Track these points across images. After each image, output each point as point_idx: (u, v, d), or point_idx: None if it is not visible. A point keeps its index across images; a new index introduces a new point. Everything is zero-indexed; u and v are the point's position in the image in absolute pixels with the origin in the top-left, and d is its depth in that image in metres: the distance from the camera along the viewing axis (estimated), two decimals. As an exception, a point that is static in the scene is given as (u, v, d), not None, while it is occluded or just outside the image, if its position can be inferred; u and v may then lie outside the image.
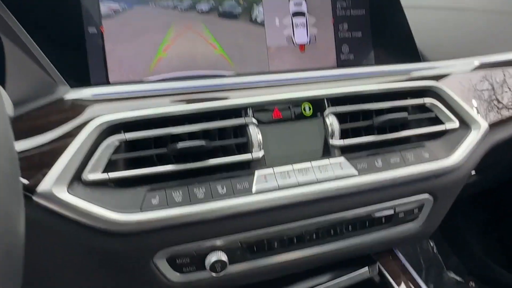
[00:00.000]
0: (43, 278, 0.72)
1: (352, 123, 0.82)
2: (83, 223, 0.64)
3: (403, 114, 0.83)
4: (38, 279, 0.71)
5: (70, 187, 0.63)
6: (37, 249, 0.67)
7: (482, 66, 0.98)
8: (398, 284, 0.95)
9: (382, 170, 0.80)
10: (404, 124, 0.87)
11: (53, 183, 0.62)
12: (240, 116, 0.75)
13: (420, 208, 0.89)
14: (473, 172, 0.97)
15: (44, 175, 0.62)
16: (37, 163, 0.63)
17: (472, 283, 1.85)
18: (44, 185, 0.62)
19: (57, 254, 0.69)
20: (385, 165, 0.80)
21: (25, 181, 0.61)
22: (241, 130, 0.76)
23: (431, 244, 1.97)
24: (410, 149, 0.84)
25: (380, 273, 0.98)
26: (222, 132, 0.75)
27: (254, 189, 0.72)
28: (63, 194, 0.62)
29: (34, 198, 0.62)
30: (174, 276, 0.73)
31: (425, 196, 0.88)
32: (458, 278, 1.88)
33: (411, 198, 0.87)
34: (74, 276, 0.72)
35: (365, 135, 0.83)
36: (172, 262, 0.72)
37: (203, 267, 0.73)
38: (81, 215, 0.63)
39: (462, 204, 1.23)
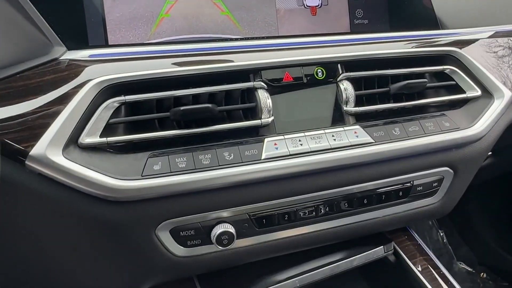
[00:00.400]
0: (40, 249, 0.67)
1: (368, 90, 0.77)
2: (79, 189, 0.59)
3: (423, 80, 0.77)
4: (36, 251, 0.67)
5: (65, 151, 0.59)
6: (32, 219, 0.63)
7: (505, 34, 0.92)
8: (415, 264, 0.89)
9: (400, 138, 0.74)
10: (421, 93, 0.81)
11: (47, 146, 0.57)
12: (248, 80, 0.70)
13: (440, 182, 0.84)
14: (489, 153, 0.92)
15: (37, 138, 0.58)
16: (30, 126, 0.58)
17: (483, 274, 1.80)
18: (38, 148, 0.57)
19: (53, 224, 0.64)
20: (403, 134, 0.75)
21: (17, 145, 0.57)
22: (249, 95, 0.70)
23: (441, 233, 1.92)
24: (429, 118, 0.79)
25: (396, 252, 0.92)
26: (228, 98, 0.70)
27: (263, 155, 0.67)
28: (58, 158, 0.58)
29: (27, 162, 0.57)
30: (178, 249, 0.68)
31: (445, 169, 0.83)
32: (469, 269, 1.83)
33: (430, 171, 0.81)
34: (72, 247, 0.68)
35: (381, 102, 0.77)
36: (176, 234, 0.67)
37: (208, 241, 0.68)
38: (77, 181, 0.58)
39: (474, 191, 1.18)
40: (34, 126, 0.58)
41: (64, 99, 0.60)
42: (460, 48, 0.84)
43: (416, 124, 0.77)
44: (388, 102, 0.79)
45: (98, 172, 0.59)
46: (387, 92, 0.78)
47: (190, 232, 0.67)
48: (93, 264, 0.70)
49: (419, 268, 0.89)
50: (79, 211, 0.62)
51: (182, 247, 0.68)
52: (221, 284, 0.79)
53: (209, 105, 0.64)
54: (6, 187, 0.59)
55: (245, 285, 0.78)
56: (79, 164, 0.59)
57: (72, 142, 0.60)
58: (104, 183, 0.59)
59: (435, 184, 0.83)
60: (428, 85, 0.79)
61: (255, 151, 0.67)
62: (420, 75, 0.81)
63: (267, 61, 0.70)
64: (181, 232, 0.67)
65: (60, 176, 0.58)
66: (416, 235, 0.97)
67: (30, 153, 0.57)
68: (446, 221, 1.79)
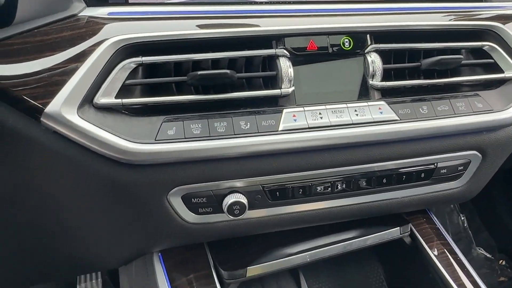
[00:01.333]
0: (55, 207, 0.68)
1: (397, 64, 0.72)
2: (92, 149, 0.59)
3: (458, 56, 0.72)
4: (51, 209, 0.68)
5: (80, 110, 0.58)
6: (47, 176, 0.63)
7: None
8: (431, 248, 0.87)
9: (427, 117, 0.70)
10: (454, 70, 0.76)
11: (62, 104, 0.56)
12: (271, 47, 0.67)
13: (466, 166, 0.80)
14: None
15: (53, 95, 0.57)
16: (46, 83, 0.57)
17: (502, 261, 1.76)
18: (53, 106, 0.57)
19: (67, 182, 0.65)
20: (431, 113, 0.71)
21: (33, 102, 0.56)
22: (271, 64, 0.67)
23: (462, 217, 1.87)
24: (461, 97, 0.74)
25: (412, 235, 0.90)
26: (249, 66, 0.67)
27: (280, 127, 0.65)
28: (72, 117, 0.57)
29: (42, 119, 0.57)
30: (189, 216, 0.68)
31: (473, 152, 0.78)
32: (488, 255, 1.79)
33: (456, 154, 0.77)
34: (86, 207, 0.69)
35: (410, 78, 0.73)
36: (188, 201, 0.67)
37: (220, 210, 0.67)
38: (90, 140, 0.58)
39: (500, 176, 1.13)
40: (50, 83, 0.57)
41: (81, 57, 0.58)
42: (504, 24, 0.77)
43: (446, 103, 0.72)
44: (418, 78, 0.74)
45: (111, 133, 0.59)
46: (417, 68, 0.73)
47: (201, 200, 0.67)
48: (106, 224, 0.71)
49: (435, 252, 0.86)
50: (92, 171, 0.62)
51: (193, 214, 0.68)
52: (231, 252, 0.79)
53: (227, 71, 0.62)
54: (23, 143, 0.59)
55: (255, 255, 0.78)
56: (93, 124, 0.58)
57: (87, 101, 0.59)
58: (117, 145, 0.58)
59: (460, 168, 0.79)
60: (463, 62, 0.74)
61: (272, 122, 0.65)
62: (455, 50, 0.75)
63: (291, 28, 0.67)
64: (193, 199, 0.67)
65: (74, 135, 0.58)
66: (435, 218, 0.94)
67: (45, 111, 0.56)
68: (468, 205, 1.74)
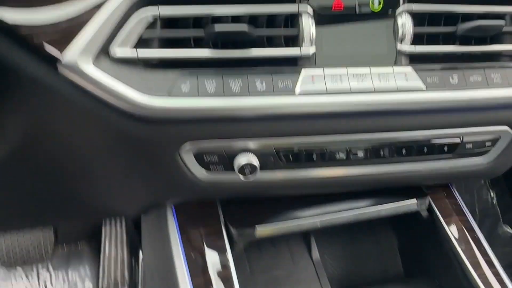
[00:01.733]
0: (71, 157, 0.70)
1: (430, 27, 0.67)
2: (108, 101, 0.59)
3: (499, 22, 0.66)
4: (66, 158, 0.70)
5: (96, 60, 0.58)
6: (68, 128, 0.65)
7: None
8: (448, 224, 0.84)
9: (457, 88, 0.66)
10: (494, 38, 0.70)
11: (79, 54, 0.56)
12: (294, 2, 0.63)
13: (494, 141, 0.75)
14: None
15: (70, 44, 0.57)
16: (64, 33, 0.57)
17: (527, 241, 1.70)
18: (69, 56, 0.57)
19: (86, 134, 0.66)
20: (462, 83, 0.66)
21: (50, 50, 0.56)
22: (292, 21, 0.64)
23: (491, 194, 1.81)
24: (497, 68, 0.68)
25: (430, 209, 0.87)
26: (271, 22, 0.64)
27: (298, 90, 0.62)
28: (88, 67, 0.57)
29: (59, 68, 0.57)
30: (201, 173, 0.68)
31: (504, 128, 0.74)
32: (514, 233, 1.74)
33: (485, 128, 0.73)
34: (104, 158, 0.70)
35: (443, 44, 0.68)
36: (200, 158, 0.67)
37: (231, 168, 0.67)
38: (104, 91, 0.58)
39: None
40: (67, 32, 0.57)
41: (97, 7, 0.57)
42: None
43: (480, 73, 0.67)
44: (452, 45, 0.69)
45: (125, 84, 0.58)
46: (452, 33, 0.67)
47: (213, 158, 0.67)
48: (124, 174, 0.73)
49: (452, 228, 0.84)
50: (107, 123, 0.62)
51: (205, 171, 0.68)
52: (242, 212, 0.80)
53: (245, 27, 0.59)
54: (43, 92, 0.60)
55: (266, 216, 0.78)
56: (108, 74, 0.58)
57: (104, 52, 0.59)
58: (131, 97, 0.58)
59: (488, 144, 0.75)
60: (504, 29, 0.67)
61: (290, 84, 0.62)
62: (498, 16, 0.69)
63: None
64: (204, 156, 0.67)
65: (89, 85, 0.58)
66: (457, 193, 0.90)
67: (62, 60, 0.57)
68: (500, 181, 1.67)
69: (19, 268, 1.63)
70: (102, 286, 1.62)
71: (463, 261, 0.79)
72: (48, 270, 1.66)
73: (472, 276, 0.77)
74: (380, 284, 0.86)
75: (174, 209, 0.79)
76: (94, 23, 0.57)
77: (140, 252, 1.48)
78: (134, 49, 0.59)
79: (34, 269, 1.65)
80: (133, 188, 0.77)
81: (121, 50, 0.59)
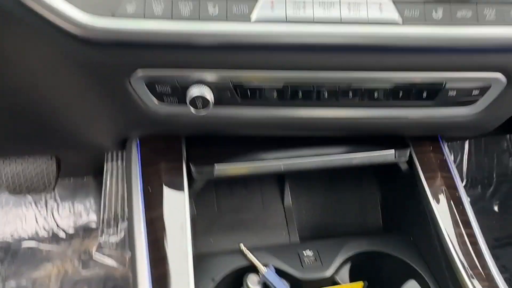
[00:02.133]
0: (30, 83, 0.68)
1: None
2: (49, 20, 0.55)
3: None
4: (26, 85, 0.68)
5: None
6: (23, 52, 0.62)
7: None
8: (428, 179, 0.78)
9: (440, 24, 0.57)
10: None
11: None
12: None
13: (483, 90, 0.66)
14: None
15: None
16: None
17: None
18: None
19: (38, 58, 0.63)
20: (446, 18, 0.57)
21: None
22: None
23: (512, 159, 1.71)
24: (493, 3, 0.58)
25: (411, 162, 0.81)
26: None
27: (254, 16, 0.56)
28: None
29: None
30: (153, 103, 0.65)
31: (496, 75, 0.64)
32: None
33: (472, 74, 0.64)
34: (60, 87, 0.69)
35: None
36: (152, 88, 0.64)
37: (184, 100, 0.63)
38: (46, 9, 0.54)
39: None
40: None
41: None
42: None
43: (471, 8, 0.58)
44: None
45: (67, 1, 0.54)
46: None
47: (166, 89, 0.63)
48: (84, 107, 0.71)
49: (432, 185, 0.78)
50: (54, 45, 0.59)
51: (157, 101, 0.65)
52: (204, 149, 0.77)
53: None
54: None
55: (228, 155, 0.75)
56: None
57: None
58: (72, 16, 0.55)
59: (475, 92, 0.66)
60: None
61: (245, 9, 0.56)
62: None
63: None
64: (157, 86, 0.63)
65: (33, 3, 0.54)
66: (445, 148, 0.83)
67: None
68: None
69: (28, 196, 1.72)
70: (103, 219, 1.69)
71: (436, 219, 0.74)
72: (55, 200, 1.74)
73: (444, 236, 0.72)
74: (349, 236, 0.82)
75: (139, 142, 0.78)
76: None
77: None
78: None
79: (43, 198, 1.74)
80: (99, 120, 0.75)
81: (62, -38, 0.54)
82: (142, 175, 0.74)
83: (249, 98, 0.65)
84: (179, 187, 0.72)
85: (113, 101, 0.68)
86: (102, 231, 1.67)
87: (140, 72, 0.62)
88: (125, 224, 1.67)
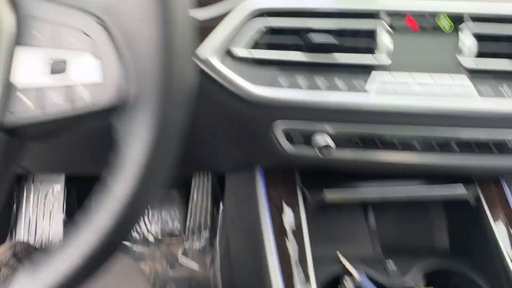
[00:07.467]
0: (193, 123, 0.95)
1: (493, 46, 0.78)
2: (227, 88, 0.81)
3: None
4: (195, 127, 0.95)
5: (222, 58, 0.80)
6: (200, 109, 0.86)
7: None
8: (493, 215, 0.95)
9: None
10: None
11: (209, 52, 0.78)
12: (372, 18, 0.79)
13: None
14: None
15: (202, 44, 0.79)
16: (203, 32, 0.79)
17: None
18: (204, 53, 0.79)
19: (206, 110, 0.88)
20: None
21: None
22: (371, 36, 0.80)
23: None
24: None
25: (477, 198, 0.99)
26: (352, 34, 0.80)
27: (370, 89, 0.80)
28: (217, 63, 0.79)
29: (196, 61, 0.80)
30: (286, 144, 0.89)
31: None
32: None
33: None
34: (213, 124, 0.94)
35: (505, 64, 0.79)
36: (286, 133, 0.88)
37: (310, 144, 0.87)
38: (227, 82, 0.80)
39: None
40: (199, 33, 0.78)
41: (224, 15, 0.78)
42: None
43: None
44: None
45: (241, 77, 0.80)
46: None
47: (297, 134, 0.87)
48: (227, 140, 0.97)
49: (497, 220, 0.94)
50: (223, 103, 0.84)
51: (289, 144, 0.89)
52: (315, 178, 1.00)
53: (336, 41, 0.77)
54: None
55: (334, 185, 0.98)
56: (230, 70, 0.80)
57: (227, 52, 0.80)
58: (244, 86, 0.80)
59: None
60: None
61: (363, 84, 0.80)
62: None
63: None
64: (290, 132, 0.87)
65: (219, 78, 0.80)
66: (506, 186, 1.00)
67: (199, 56, 0.79)
68: None
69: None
70: (189, 227, 1.94)
71: (503, 254, 0.90)
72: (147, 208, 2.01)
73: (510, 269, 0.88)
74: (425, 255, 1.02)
75: (261, 170, 1.03)
76: (221, 28, 0.78)
77: (221, 203, 1.72)
78: (249, 50, 0.80)
79: (137, 206, 2.01)
80: (231, 151, 1.01)
81: (240, 51, 0.80)
82: (267, 198, 0.98)
83: (360, 145, 0.87)
84: (297, 209, 0.96)
85: (254, 140, 0.93)
86: (187, 238, 1.90)
87: (280, 122, 0.86)
88: (207, 233, 1.92)
